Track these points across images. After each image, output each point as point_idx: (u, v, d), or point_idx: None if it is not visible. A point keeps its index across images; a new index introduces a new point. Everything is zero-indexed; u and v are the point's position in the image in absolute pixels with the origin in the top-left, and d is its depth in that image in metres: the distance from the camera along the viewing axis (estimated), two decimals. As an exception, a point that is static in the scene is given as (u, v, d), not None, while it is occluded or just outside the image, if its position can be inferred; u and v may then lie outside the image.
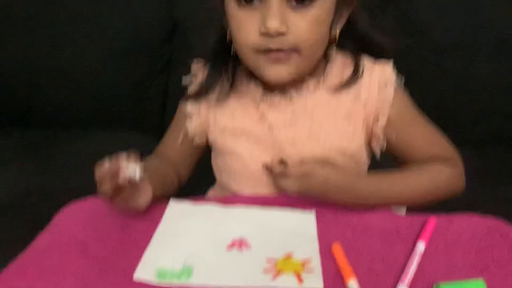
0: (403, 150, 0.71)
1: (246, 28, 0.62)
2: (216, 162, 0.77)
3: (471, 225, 0.62)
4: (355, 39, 0.71)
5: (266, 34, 0.61)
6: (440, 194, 0.69)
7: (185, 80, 0.77)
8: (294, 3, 0.61)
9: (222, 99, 0.73)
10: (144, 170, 0.58)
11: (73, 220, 0.64)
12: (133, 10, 1.33)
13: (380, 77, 0.69)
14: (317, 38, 0.64)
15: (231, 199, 0.69)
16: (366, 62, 0.71)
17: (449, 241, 0.59)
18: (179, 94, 0.79)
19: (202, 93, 0.73)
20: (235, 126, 0.72)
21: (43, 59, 1.35)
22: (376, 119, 0.69)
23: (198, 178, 0.84)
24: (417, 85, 1.26)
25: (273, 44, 0.62)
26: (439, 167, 0.69)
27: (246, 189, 0.72)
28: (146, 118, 1.38)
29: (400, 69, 1.35)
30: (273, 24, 0.59)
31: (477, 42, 1.25)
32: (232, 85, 0.72)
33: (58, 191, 0.69)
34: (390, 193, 0.66)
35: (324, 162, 0.65)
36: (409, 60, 1.27)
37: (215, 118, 0.74)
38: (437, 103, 1.28)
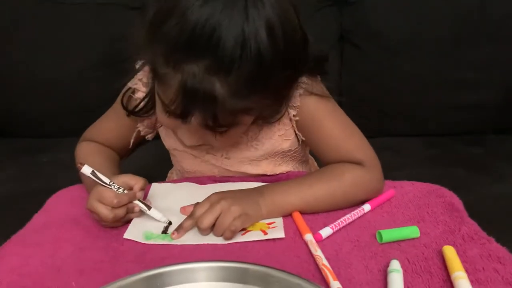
0: (314, 149, 0.78)
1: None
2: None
3: (413, 189, 0.73)
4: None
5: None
6: (351, 196, 0.69)
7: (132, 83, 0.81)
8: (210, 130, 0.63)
9: None
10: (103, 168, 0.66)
11: (64, 201, 0.73)
12: (107, 21, 1.40)
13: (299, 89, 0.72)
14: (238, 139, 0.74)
15: (202, 179, 0.77)
16: None
17: (393, 202, 0.69)
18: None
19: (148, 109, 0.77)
20: None
21: (22, 71, 1.41)
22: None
23: (157, 163, 0.92)
24: (374, 84, 1.39)
25: None
26: (349, 170, 0.70)
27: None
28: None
29: (357, 71, 1.47)
30: (188, 143, 0.70)
31: (424, 43, 1.37)
32: None
33: (40, 192, 0.74)
34: (299, 202, 0.67)
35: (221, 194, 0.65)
36: (366, 63, 1.39)
37: None
38: (391, 101, 1.40)
